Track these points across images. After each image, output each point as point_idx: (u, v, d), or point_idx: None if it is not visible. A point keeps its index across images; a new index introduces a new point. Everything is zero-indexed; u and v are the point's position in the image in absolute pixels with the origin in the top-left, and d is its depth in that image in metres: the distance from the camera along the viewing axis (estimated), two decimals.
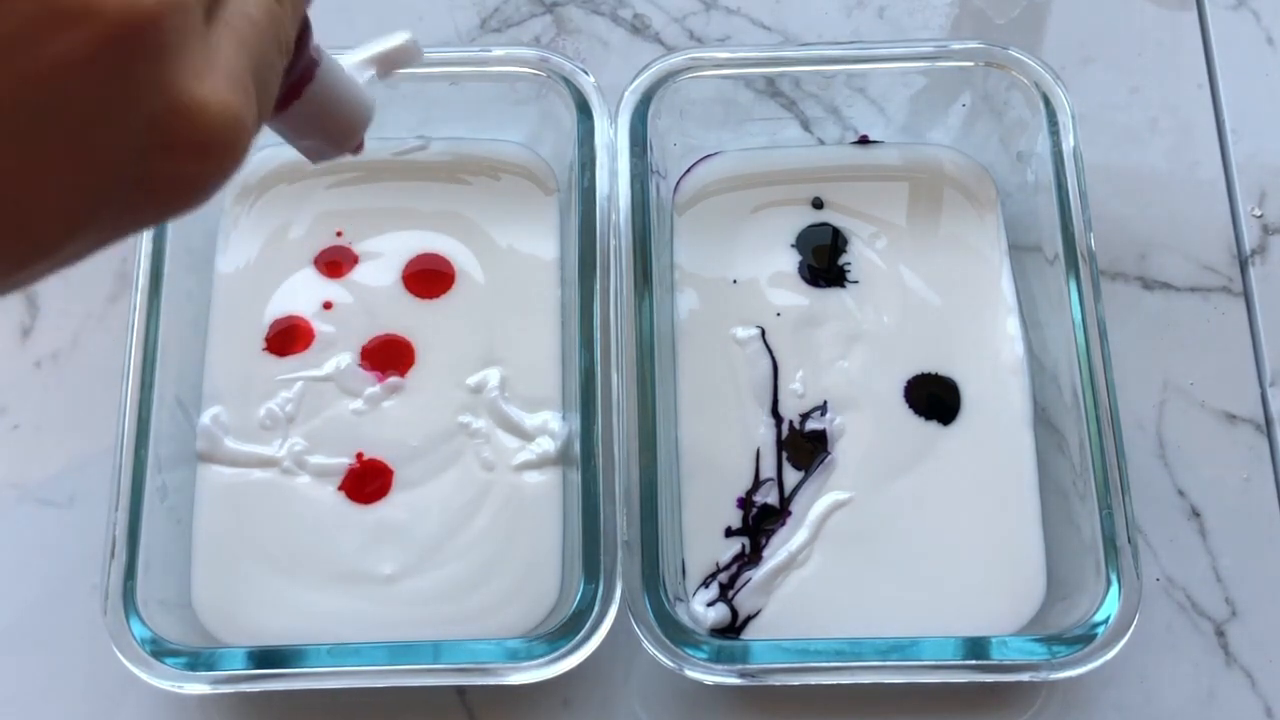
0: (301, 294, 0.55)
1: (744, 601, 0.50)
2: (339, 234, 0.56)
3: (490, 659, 0.46)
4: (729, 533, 0.51)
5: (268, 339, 0.54)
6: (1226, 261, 0.58)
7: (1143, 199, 0.59)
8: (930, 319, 0.54)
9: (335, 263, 0.56)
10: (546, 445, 0.52)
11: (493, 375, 0.53)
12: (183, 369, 0.52)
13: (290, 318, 0.54)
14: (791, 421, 0.53)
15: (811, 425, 0.53)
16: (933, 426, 0.53)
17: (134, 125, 0.22)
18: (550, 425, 0.52)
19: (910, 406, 0.53)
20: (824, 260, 0.55)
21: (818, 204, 0.56)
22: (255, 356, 0.54)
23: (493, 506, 0.51)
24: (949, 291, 0.55)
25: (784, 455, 0.52)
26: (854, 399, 0.53)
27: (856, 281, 0.55)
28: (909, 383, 0.53)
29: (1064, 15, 0.64)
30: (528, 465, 0.52)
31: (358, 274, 0.55)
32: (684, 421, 0.53)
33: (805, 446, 0.53)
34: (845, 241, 0.56)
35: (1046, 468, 0.52)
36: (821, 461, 0.52)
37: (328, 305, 0.55)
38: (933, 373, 0.54)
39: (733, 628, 0.50)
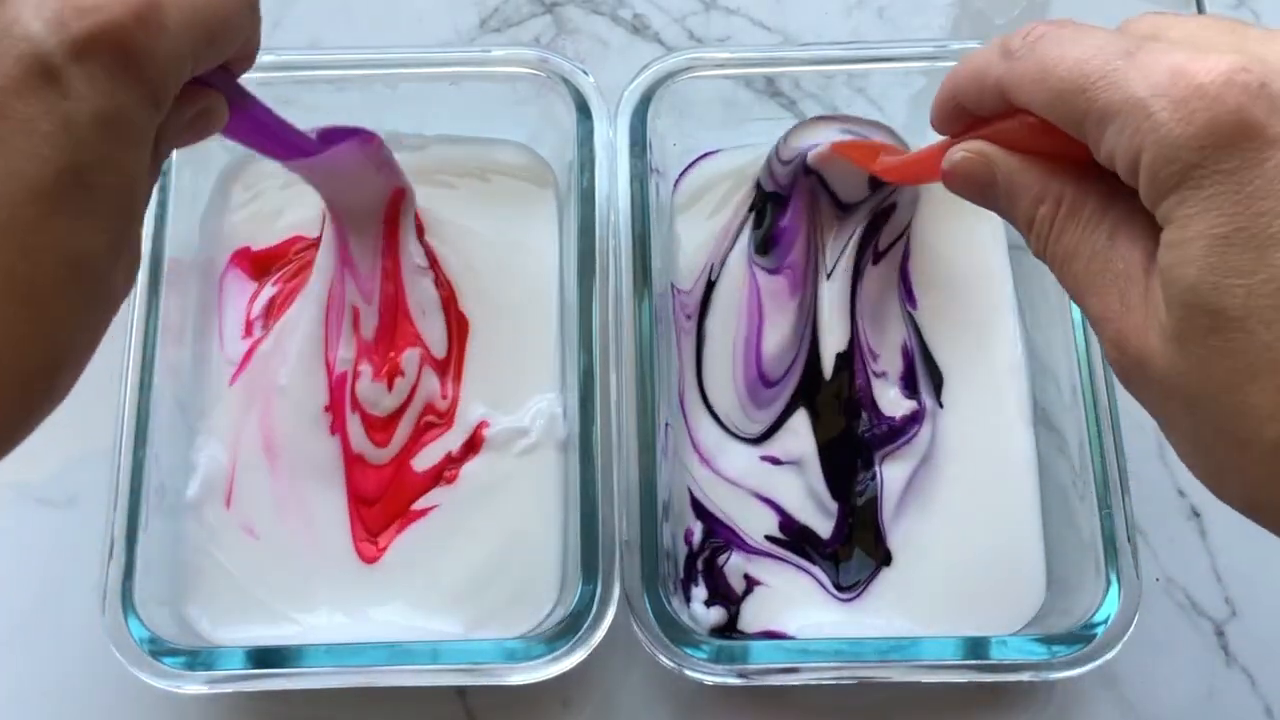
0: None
1: (732, 578, 0.50)
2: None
3: (490, 659, 0.46)
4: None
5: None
6: None
7: None
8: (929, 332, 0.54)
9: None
10: (543, 427, 0.52)
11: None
12: (182, 369, 0.52)
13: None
14: None
15: None
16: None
17: None
18: (551, 408, 0.52)
19: None
20: None
21: None
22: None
23: (492, 505, 0.51)
24: (949, 291, 0.55)
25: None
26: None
27: None
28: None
29: (1063, 15, 0.64)
30: (527, 450, 0.52)
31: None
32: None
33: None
34: None
35: (1046, 468, 0.52)
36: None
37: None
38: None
39: (718, 584, 0.50)
